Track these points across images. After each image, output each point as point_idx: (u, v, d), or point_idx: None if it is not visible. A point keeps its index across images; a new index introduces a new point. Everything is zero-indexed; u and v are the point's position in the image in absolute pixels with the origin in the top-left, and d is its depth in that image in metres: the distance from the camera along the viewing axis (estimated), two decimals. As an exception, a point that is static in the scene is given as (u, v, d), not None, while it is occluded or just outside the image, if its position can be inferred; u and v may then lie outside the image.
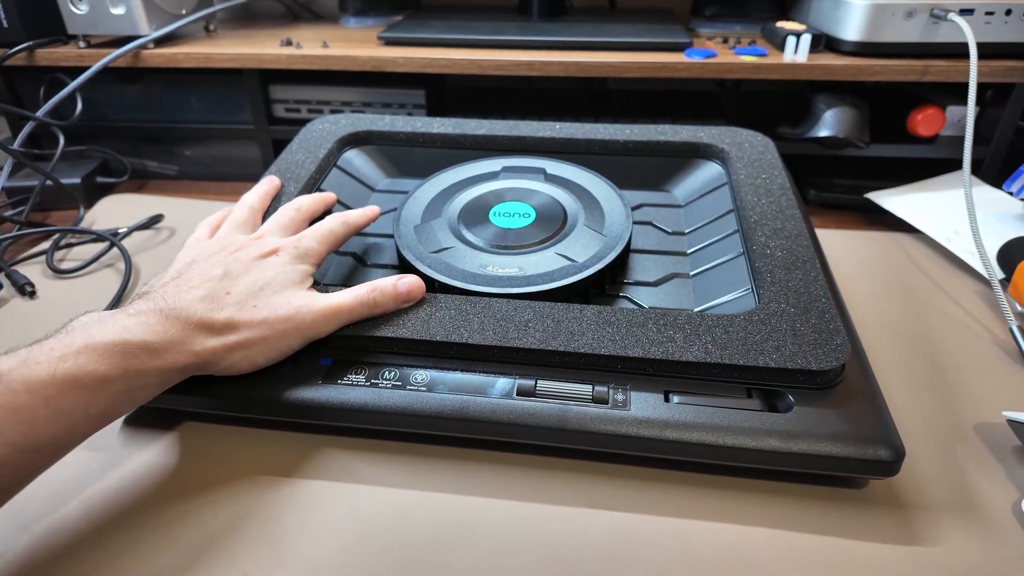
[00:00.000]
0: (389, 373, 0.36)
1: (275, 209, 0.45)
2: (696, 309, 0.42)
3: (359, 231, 0.45)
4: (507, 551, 0.30)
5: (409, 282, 0.38)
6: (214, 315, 0.33)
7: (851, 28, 0.61)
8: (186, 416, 0.38)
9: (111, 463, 0.35)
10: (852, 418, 0.33)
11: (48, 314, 0.48)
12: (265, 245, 0.38)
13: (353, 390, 0.35)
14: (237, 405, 0.36)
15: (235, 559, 0.30)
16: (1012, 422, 0.36)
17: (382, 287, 0.37)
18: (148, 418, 0.38)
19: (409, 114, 0.70)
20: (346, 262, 0.47)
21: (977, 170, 0.64)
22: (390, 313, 0.38)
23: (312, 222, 0.44)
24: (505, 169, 0.52)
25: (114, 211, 0.63)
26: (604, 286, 0.44)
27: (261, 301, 0.35)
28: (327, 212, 0.47)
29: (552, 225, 0.46)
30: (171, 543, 0.31)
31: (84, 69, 0.65)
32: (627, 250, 0.45)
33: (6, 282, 0.51)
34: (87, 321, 0.31)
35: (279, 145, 0.71)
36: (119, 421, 0.38)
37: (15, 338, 0.45)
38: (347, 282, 0.45)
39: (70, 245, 0.57)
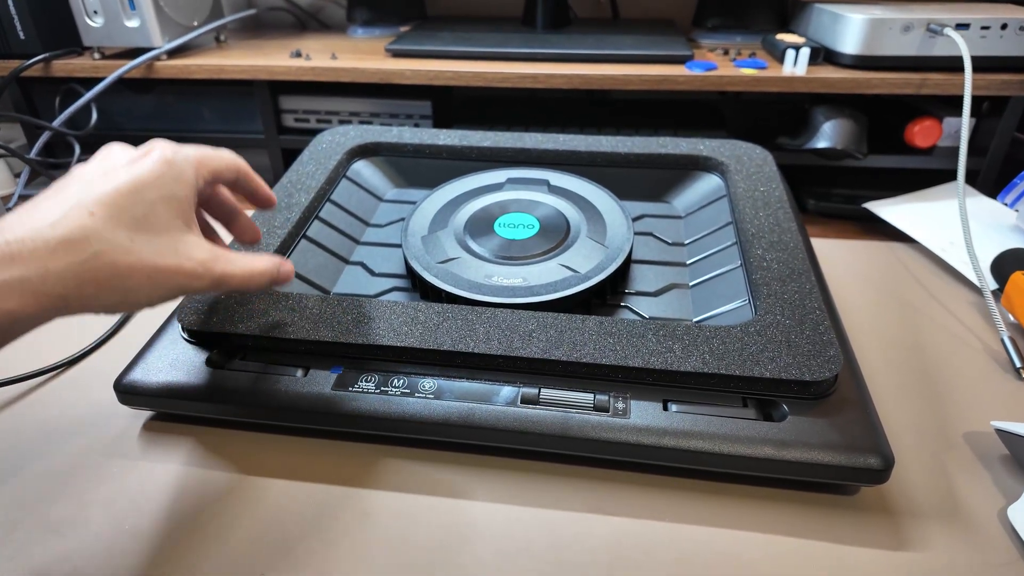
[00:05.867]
0: (398, 381, 0.37)
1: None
2: (695, 319, 0.43)
3: (246, 189, 0.38)
4: (511, 554, 0.32)
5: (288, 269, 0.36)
6: (72, 234, 0.27)
7: (850, 42, 0.63)
8: (201, 422, 0.39)
9: (130, 468, 0.36)
10: (844, 428, 0.34)
11: (66, 321, 0.49)
12: (140, 149, 0.32)
13: (363, 397, 0.37)
14: (251, 411, 0.37)
15: (251, 562, 0.31)
16: (1000, 431, 0.37)
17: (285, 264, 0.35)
18: (165, 424, 0.39)
19: (416, 124, 0.71)
20: (356, 271, 0.49)
21: (973, 181, 0.65)
22: (397, 323, 0.39)
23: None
24: (510, 180, 0.53)
25: (128, 219, 0.65)
26: (606, 296, 0.45)
27: (139, 234, 0.28)
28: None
29: (555, 236, 0.47)
30: (189, 544, 0.32)
31: (99, 80, 0.66)
32: (628, 261, 0.46)
33: (25, 289, 0.52)
34: None
35: (288, 154, 0.73)
36: (137, 426, 0.39)
37: (33, 343, 0.46)
38: (360, 291, 0.46)
39: (86, 252, 0.59)
